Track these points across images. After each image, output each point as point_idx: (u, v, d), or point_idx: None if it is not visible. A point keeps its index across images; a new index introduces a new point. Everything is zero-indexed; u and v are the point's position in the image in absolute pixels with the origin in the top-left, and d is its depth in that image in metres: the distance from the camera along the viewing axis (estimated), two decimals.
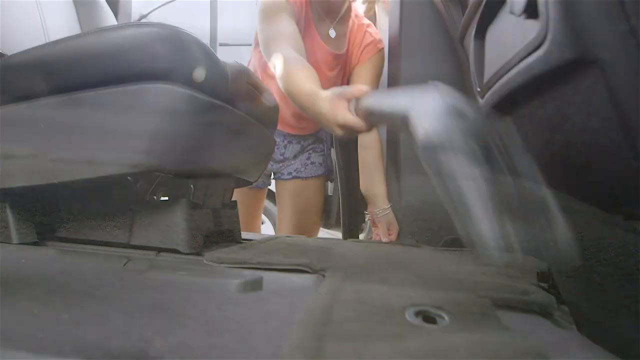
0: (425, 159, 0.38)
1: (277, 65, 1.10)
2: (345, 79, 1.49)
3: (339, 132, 0.89)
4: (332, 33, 1.40)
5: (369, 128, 0.82)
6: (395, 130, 1.02)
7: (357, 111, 0.81)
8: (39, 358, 0.35)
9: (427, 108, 0.42)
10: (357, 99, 0.81)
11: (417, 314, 0.46)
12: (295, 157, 1.64)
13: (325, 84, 1.44)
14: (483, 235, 0.32)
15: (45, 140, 0.72)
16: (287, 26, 1.21)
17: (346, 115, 0.84)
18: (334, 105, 0.86)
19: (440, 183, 0.36)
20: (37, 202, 0.84)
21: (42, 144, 0.72)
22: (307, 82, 0.99)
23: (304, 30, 1.35)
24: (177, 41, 0.68)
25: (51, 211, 0.86)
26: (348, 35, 1.44)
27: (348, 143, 1.56)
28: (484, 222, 0.32)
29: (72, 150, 0.71)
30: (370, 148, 1.42)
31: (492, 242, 0.32)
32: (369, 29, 1.47)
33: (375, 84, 1.46)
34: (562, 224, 0.32)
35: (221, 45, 3.07)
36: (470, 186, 0.34)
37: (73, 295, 0.50)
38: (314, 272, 0.69)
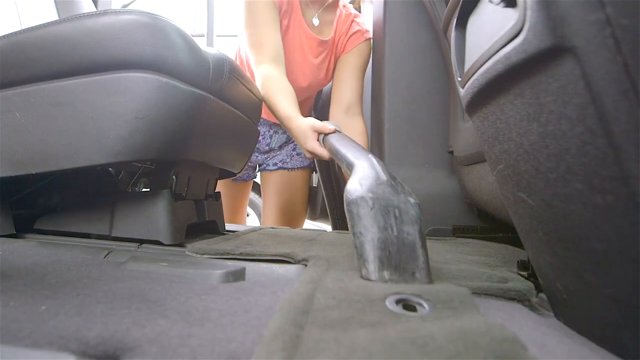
0: (345, 204, 0.56)
1: (258, 81, 1.25)
2: (331, 68, 1.49)
3: (307, 155, 1.16)
4: (316, 21, 1.41)
5: (330, 158, 1.07)
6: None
7: (324, 143, 1.06)
8: (13, 349, 0.34)
9: (362, 172, 0.60)
10: (325, 134, 1.05)
11: (398, 302, 0.46)
12: (280, 147, 1.63)
13: (311, 72, 1.45)
14: (366, 263, 0.51)
15: (22, 130, 0.70)
16: (267, 30, 1.29)
17: (314, 145, 1.10)
18: (305, 134, 1.11)
19: (350, 223, 0.54)
20: (15, 194, 0.82)
21: (18, 134, 0.70)
22: (285, 105, 1.18)
23: (290, 15, 1.36)
24: (156, 29, 0.67)
25: (29, 203, 0.85)
26: (335, 24, 1.44)
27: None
28: (369, 256, 0.51)
29: (50, 140, 0.69)
30: (355, 138, 1.41)
31: (371, 268, 0.51)
32: (356, 19, 1.47)
33: (361, 74, 1.45)
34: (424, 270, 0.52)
35: (219, 36, 3.05)
36: (368, 231, 0.52)
37: (51, 287, 0.49)
38: (297, 262, 0.69)
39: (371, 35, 1.47)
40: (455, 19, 0.56)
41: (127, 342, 0.35)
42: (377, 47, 1.44)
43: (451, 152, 1.24)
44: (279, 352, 0.31)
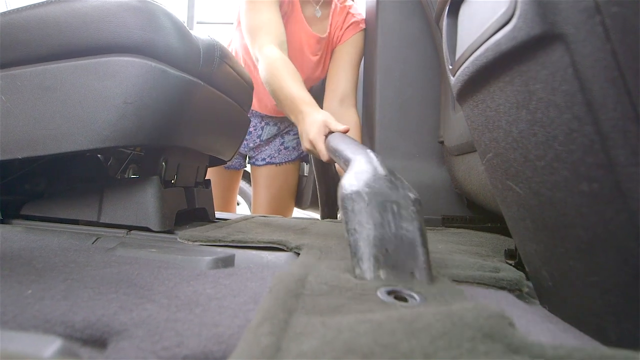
0: (339, 199, 0.51)
1: (260, 64, 1.15)
2: (327, 63, 1.49)
3: (305, 145, 1.03)
4: (318, 13, 1.40)
5: (328, 159, 0.96)
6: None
7: (326, 143, 0.95)
8: None
9: (358, 167, 0.57)
10: (330, 133, 0.95)
11: (390, 293, 0.46)
12: (269, 141, 1.64)
13: (308, 69, 1.44)
14: (360, 262, 0.45)
15: (7, 113, 0.69)
16: (271, 15, 1.22)
17: (317, 140, 0.97)
18: (316, 126, 0.98)
19: (345, 219, 0.49)
20: (1, 179, 0.81)
21: (3, 118, 0.69)
22: (297, 89, 1.07)
23: (290, 12, 1.35)
24: (146, 12, 0.66)
25: (16, 188, 0.84)
26: (330, 18, 1.43)
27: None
28: (363, 255, 0.46)
29: (37, 125, 0.68)
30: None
31: (366, 267, 0.45)
32: (351, 10, 1.47)
33: (356, 65, 1.45)
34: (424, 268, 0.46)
35: (199, 23, 3.02)
36: (363, 228, 0.47)
37: (37, 271, 0.49)
38: (290, 250, 0.69)
39: (365, 25, 1.47)
40: (448, 7, 0.56)
41: (114, 326, 0.35)
42: (369, 37, 1.43)
43: (442, 142, 1.24)
44: (267, 336, 0.32)
